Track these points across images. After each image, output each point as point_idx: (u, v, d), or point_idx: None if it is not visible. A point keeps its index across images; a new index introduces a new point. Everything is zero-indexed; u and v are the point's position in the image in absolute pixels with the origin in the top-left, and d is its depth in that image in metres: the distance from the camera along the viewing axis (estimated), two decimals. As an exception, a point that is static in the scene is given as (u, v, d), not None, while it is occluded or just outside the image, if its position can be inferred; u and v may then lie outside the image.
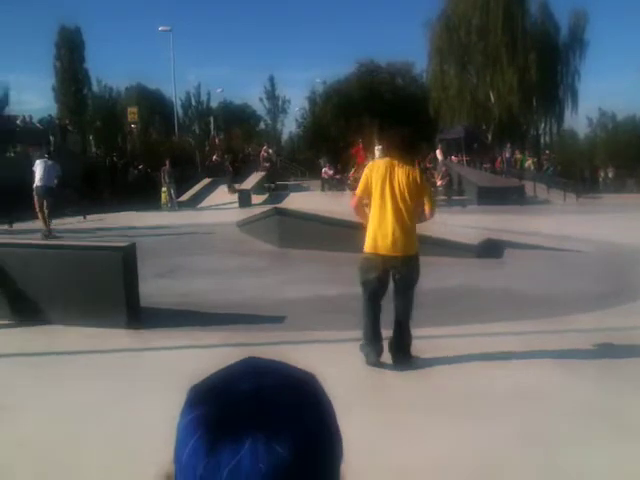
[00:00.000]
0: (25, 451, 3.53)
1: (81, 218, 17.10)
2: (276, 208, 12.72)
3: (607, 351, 5.13)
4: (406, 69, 52.18)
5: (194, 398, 0.63)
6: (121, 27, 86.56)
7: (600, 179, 35.13)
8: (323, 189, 26.40)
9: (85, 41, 41.19)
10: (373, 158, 21.57)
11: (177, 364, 4.75)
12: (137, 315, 6.01)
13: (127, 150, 30.58)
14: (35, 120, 26.94)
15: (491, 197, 21.90)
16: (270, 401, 0.60)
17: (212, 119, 47.55)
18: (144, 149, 30.36)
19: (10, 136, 23.88)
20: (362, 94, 48.56)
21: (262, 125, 60.10)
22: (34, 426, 3.82)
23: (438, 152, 27.27)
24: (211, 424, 0.59)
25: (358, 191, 4.97)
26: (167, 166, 22.77)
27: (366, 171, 4.93)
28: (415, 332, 4.92)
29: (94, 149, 31.08)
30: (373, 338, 4.83)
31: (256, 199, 22.06)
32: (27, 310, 5.99)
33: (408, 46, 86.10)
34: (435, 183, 22.37)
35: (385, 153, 5.35)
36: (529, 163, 33.02)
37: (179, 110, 48.88)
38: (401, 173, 4.74)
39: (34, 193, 13.41)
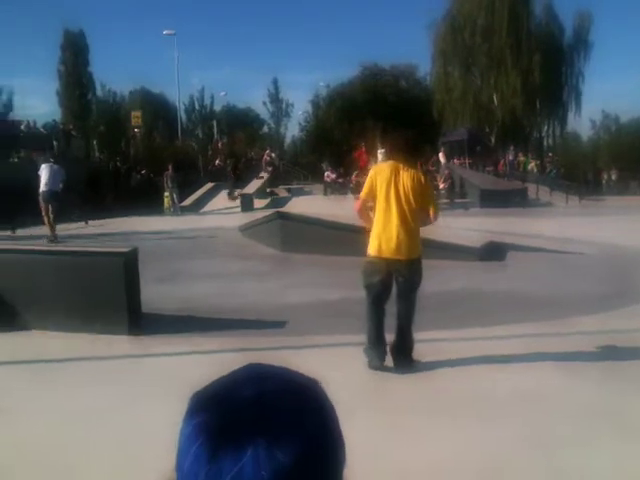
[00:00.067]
0: (25, 456, 3.53)
1: (83, 223, 17.13)
2: (278, 212, 12.73)
3: (610, 353, 5.11)
4: (410, 72, 52.23)
5: (196, 405, 0.63)
6: (125, 30, 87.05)
7: (603, 181, 35.10)
8: (325, 193, 26.40)
9: (89, 45, 41.42)
10: (376, 162, 21.63)
11: (178, 370, 4.75)
12: (139, 321, 6.01)
13: (130, 155, 30.61)
14: (39, 125, 27.02)
15: (494, 200, 21.89)
16: (272, 407, 0.60)
17: (215, 123, 47.62)
18: (147, 154, 30.39)
19: (14, 141, 23.96)
20: (366, 97, 48.61)
21: (265, 129, 60.24)
22: (34, 431, 3.82)
23: (441, 155, 27.30)
24: (213, 431, 0.59)
25: (362, 194, 4.97)
26: (170, 171, 22.81)
27: (371, 174, 4.93)
28: (417, 335, 4.91)
29: (97, 154, 31.12)
30: (377, 342, 4.83)
31: (258, 203, 22.08)
32: (29, 316, 5.99)
33: (412, 48, 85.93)
34: (438, 186, 22.35)
35: (389, 156, 5.35)
36: (532, 166, 32.98)
37: (182, 114, 49.07)
38: (406, 176, 4.74)
39: (40, 198, 13.47)
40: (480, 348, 5.21)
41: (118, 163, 27.49)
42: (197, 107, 55.14)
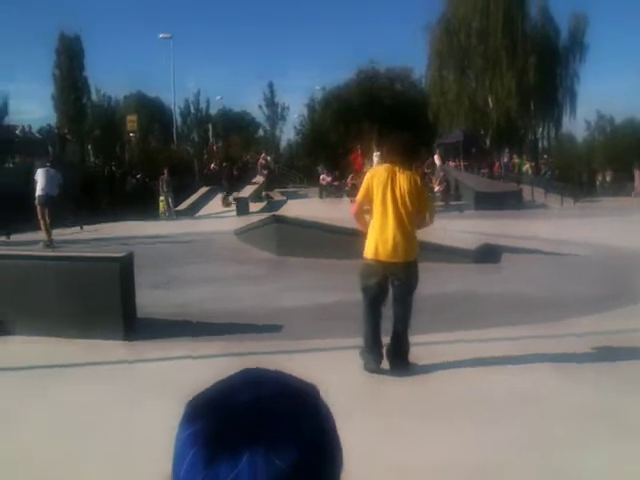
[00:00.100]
0: (18, 463, 3.51)
1: (78, 228, 17.08)
2: (274, 216, 12.72)
3: (606, 354, 5.13)
4: (405, 74, 52.34)
5: (192, 412, 0.62)
6: (121, 34, 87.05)
7: (598, 183, 35.20)
8: (321, 196, 26.41)
9: (84, 49, 41.36)
10: (371, 165, 21.64)
11: (174, 375, 4.74)
12: (134, 326, 5.99)
13: (125, 159, 30.57)
14: (34, 130, 26.97)
15: (488, 202, 21.90)
16: (269, 412, 0.60)
17: (210, 127, 47.63)
18: (142, 158, 30.36)
19: (9, 146, 23.89)
20: (361, 100, 48.69)
21: (261, 132, 60.28)
22: (29, 437, 3.81)
23: (436, 157, 27.35)
24: (209, 438, 0.58)
25: (359, 197, 4.98)
26: (165, 175, 22.78)
27: (367, 177, 4.94)
28: (413, 338, 4.93)
29: (93, 158, 31.07)
30: (373, 345, 4.84)
31: (254, 207, 22.07)
32: (23, 321, 5.97)
33: (407, 51, 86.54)
34: (433, 188, 22.37)
35: (385, 159, 5.36)
36: (527, 167, 33.05)
37: (178, 118, 49.03)
38: (402, 179, 4.75)
39: (36, 202, 13.45)
40: (476, 350, 5.22)
41: (113, 167, 27.44)
42: (193, 111, 55.13)
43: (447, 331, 5.84)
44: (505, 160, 32.34)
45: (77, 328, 5.77)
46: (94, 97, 44.68)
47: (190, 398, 0.65)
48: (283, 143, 59.63)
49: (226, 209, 22.53)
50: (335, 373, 4.57)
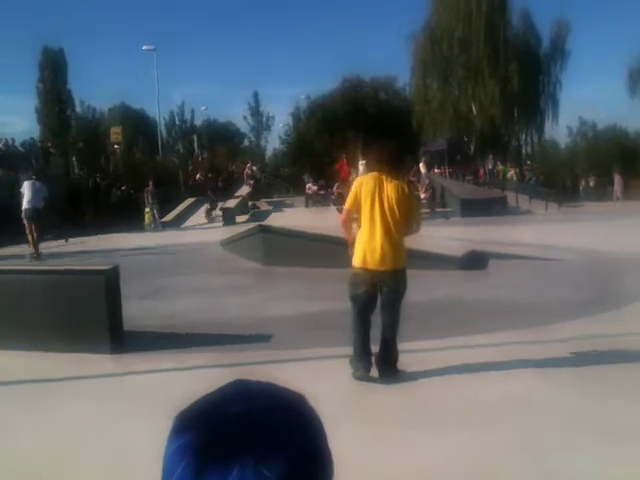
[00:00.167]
0: (9, 477, 3.48)
1: (63, 241, 16.97)
2: (260, 226, 12.70)
3: (592, 358, 5.17)
4: (389, 83, 52.67)
5: (181, 424, 0.62)
6: (104, 47, 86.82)
7: (581, 188, 35.53)
8: (307, 205, 26.44)
9: (68, 61, 41.23)
10: (357, 173, 21.69)
11: (162, 388, 4.72)
12: (121, 339, 5.95)
13: (110, 171, 30.42)
14: (17, 143, 26.79)
15: (474, 209, 22.04)
16: (260, 424, 0.59)
17: (196, 138, 47.52)
18: (127, 169, 30.23)
19: (-9, 160, 23.67)
20: (346, 109, 48.91)
21: (246, 142, 60.23)
22: (17, 452, 3.77)
23: (421, 165, 27.47)
24: (199, 450, 0.58)
25: (347, 205, 4.99)
26: (150, 186, 22.70)
27: (355, 185, 4.96)
28: (401, 346, 4.93)
29: (77, 170, 30.89)
30: (362, 353, 4.85)
31: (240, 217, 22.04)
32: (8, 336, 5.91)
33: (391, 59, 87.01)
34: (419, 196, 22.48)
35: (371, 167, 5.39)
36: (511, 174, 33.31)
37: (163, 129, 48.90)
38: (390, 187, 4.77)
39: (22, 215, 13.40)
40: (463, 357, 5.24)
41: (98, 179, 27.28)
42: (177, 122, 54.95)
43: (435, 338, 5.86)
44: (490, 167, 32.56)
45: (63, 342, 5.72)
46: (78, 109, 44.58)
47: (179, 410, 0.64)
48: (268, 153, 59.69)
49: (213, 216, 22.49)
50: (324, 382, 4.58)
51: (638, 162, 37.99)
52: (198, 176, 28.80)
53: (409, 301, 5.08)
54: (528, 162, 38.39)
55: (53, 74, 40.91)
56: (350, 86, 51.60)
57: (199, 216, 23.43)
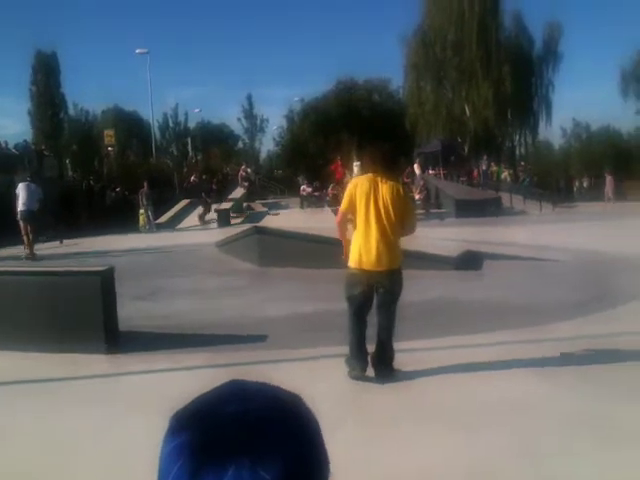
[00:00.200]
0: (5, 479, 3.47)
1: (58, 243, 16.93)
2: (256, 227, 12.71)
3: (589, 358, 5.18)
4: (383, 85, 52.76)
5: (177, 424, 0.61)
6: (97, 50, 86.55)
7: (575, 189, 35.65)
8: (302, 206, 26.46)
9: (61, 64, 41.24)
10: (351, 174, 21.69)
11: (158, 388, 4.71)
12: (116, 340, 5.94)
13: (104, 173, 30.35)
14: (10, 146, 26.71)
15: (468, 209, 22.10)
16: (256, 424, 0.59)
17: (189, 140, 47.48)
18: (121, 172, 30.16)
19: (-15, 162, 23.58)
20: (340, 111, 48.97)
21: (240, 144, 60.22)
22: (13, 454, 3.76)
23: (416, 166, 27.54)
24: (194, 450, 0.57)
25: (342, 207, 5.01)
26: (145, 188, 22.66)
27: (350, 187, 4.98)
28: (396, 345, 4.94)
29: (71, 173, 30.82)
30: (358, 353, 4.86)
31: (235, 219, 22.02)
32: (3, 336, 5.89)
33: (385, 62, 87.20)
34: (413, 197, 22.52)
35: (365, 169, 5.40)
36: (505, 175, 33.40)
37: (156, 132, 48.82)
38: (385, 189, 4.78)
39: (18, 217, 13.41)
40: (459, 356, 5.25)
41: (92, 182, 27.22)
42: (171, 124, 54.92)
43: (430, 338, 5.87)
44: (484, 168, 32.63)
45: (59, 342, 5.71)
46: (71, 112, 44.58)
47: (175, 410, 0.64)
48: (263, 155, 59.72)
49: (206, 221, 22.42)
50: (320, 381, 4.58)
51: (631, 163, 38.22)
52: (193, 178, 28.74)
53: (405, 301, 5.08)
54: (522, 163, 38.49)
55: (46, 77, 40.93)
56: (344, 88, 51.66)
57: (194, 218, 23.40)
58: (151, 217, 22.43)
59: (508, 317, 6.73)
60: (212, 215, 22.71)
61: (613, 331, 5.98)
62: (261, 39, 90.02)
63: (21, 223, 13.43)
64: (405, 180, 24.26)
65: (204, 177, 28.91)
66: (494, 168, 33.80)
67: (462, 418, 4.04)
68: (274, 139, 57.41)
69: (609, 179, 30.21)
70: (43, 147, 28.96)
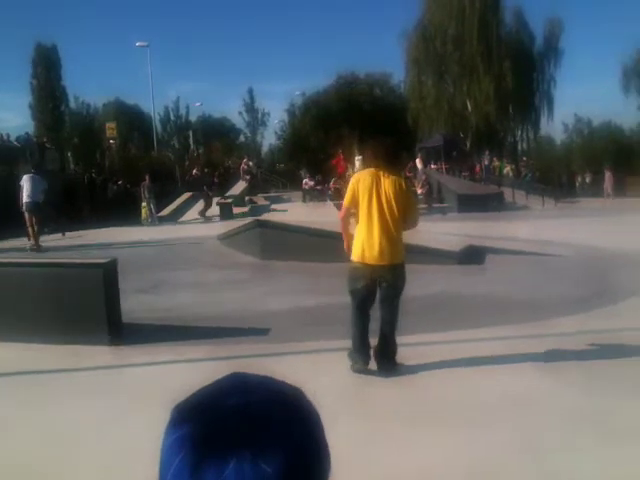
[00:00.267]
0: (6, 472, 3.47)
1: (60, 235, 16.94)
2: (258, 220, 12.70)
3: (591, 353, 5.17)
4: (384, 80, 52.67)
5: (178, 417, 0.61)
6: (99, 43, 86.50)
7: (577, 184, 35.60)
8: (304, 200, 26.45)
9: (62, 57, 41.20)
10: (353, 168, 21.67)
11: (160, 380, 4.72)
12: (119, 331, 5.96)
13: (105, 166, 30.36)
14: (12, 138, 26.72)
15: (471, 204, 22.10)
16: (258, 417, 0.59)
17: (191, 133, 47.42)
18: (123, 165, 30.18)
19: (-13, 155, 23.61)
20: (341, 105, 48.91)
21: (242, 138, 60.17)
22: (16, 446, 3.77)
23: (418, 161, 27.55)
24: (196, 443, 0.57)
25: (346, 202, 5.02)
26: (147, 181, 22.64)
27: (352, 182, 4.98)
28: (399, 339, 4.94)
29: (73, 166, 30.83)
30: (361, 347, 4.87)
31: (237, 212, 21.99)
32: (7, 328, 5.90)
33: (386, 56, 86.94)
34: (415, 192, 22.51)
35: (367, 163, 5.40)
36: (507, 170, 33.37)
37: (158, 125, 48.77)
38: (387, 183, 4.78)
39: (23, 209, 13.43)
40: (461, 351, 5.25)
41: (94, 174, 27.23)
42: (172, 118, 54.87)
43: (433, 332, 5.87)
44: (486, 163, 32.60)
45: (62, 334, 5.72)
46: (72, 105, 44.52)
47: (176, 402, 0.64)
48: (264, 148, 59.66)
49: (210, 214, 22.38)
50: (323, 375, 4.59)
51: (633, 159, 38.14)
52: (195, 171, 28.74)
53: (408, 295, 5.09)
54: (524, 158, 38.45)
55: (47, 70, 40.88)
56: (345, 82, 51.58)
57: (196, 211, 23.38)
58: (153, 210, 22.42)
59: (510, 312, 6.73)
60: (214, 208, 22.68)
61: (614, 327, 5.98)
62: (262, 33, 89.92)
63: (26, 215, 13.46)
64: (407, 174, 24.24)
65: (206, 170, 28.89)
66: (496, 163, 33.79)
67: (464, 412, 4.04)
68: (276, 133, 57.44)
69: (608, 175, 30.19)
70: (45, 140, 28.95)
